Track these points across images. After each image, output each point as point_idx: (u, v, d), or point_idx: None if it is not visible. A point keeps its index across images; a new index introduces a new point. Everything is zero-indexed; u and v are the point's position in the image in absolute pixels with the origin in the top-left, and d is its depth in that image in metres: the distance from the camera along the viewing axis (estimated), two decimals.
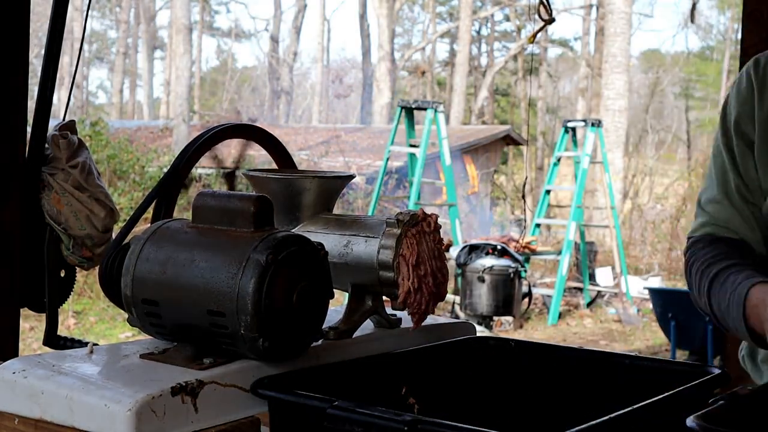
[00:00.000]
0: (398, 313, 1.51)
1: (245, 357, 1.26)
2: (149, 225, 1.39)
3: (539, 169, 23.65)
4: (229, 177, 1.98)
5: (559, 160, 12.54)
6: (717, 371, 1.30)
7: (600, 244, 14.28)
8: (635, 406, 1.13)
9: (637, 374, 1.39)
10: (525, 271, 10.78)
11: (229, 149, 2.06)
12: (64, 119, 2.22)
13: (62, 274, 2.19)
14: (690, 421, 1.02)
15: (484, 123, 24.82)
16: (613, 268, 12.78)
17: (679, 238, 14.39)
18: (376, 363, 1.36)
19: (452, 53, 28.97)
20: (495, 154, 20.08)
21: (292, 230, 1.47)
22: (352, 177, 1.61)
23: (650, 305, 10.08)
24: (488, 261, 10.35)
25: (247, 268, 1.22)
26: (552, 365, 1.46)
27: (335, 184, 1.58)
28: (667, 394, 1.19)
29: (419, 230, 1.40)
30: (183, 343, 1.30)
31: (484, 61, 30.49)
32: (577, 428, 1.02)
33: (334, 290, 1.36)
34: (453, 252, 10.52)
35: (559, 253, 12.02)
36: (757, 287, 1.49)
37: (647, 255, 15.46)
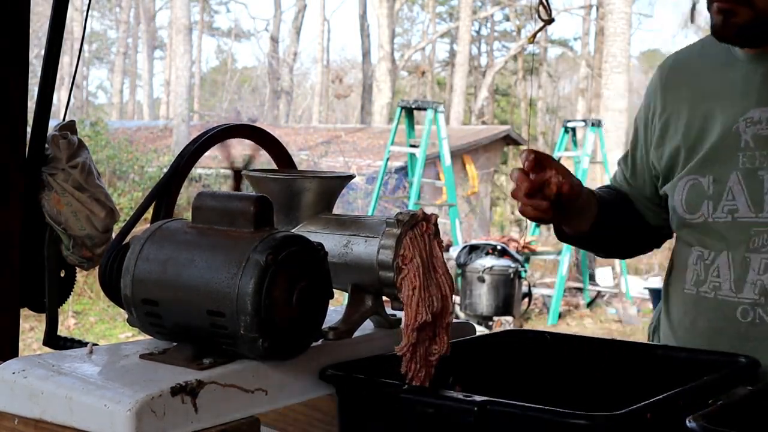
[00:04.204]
0: (398, 313, 1.51)
1: (245, 357, 1.26)
2: (149, 225, 1.39)
3: None
4: (237, 177, 1.99)
5: (559, 160, 12.53)
6: (745, 360, 1.38)
7: None
8: (676, 390, 1.19)
9: (670, 363, 1.45)
10: (525, 271, 10.79)
11: (241, 148, 2.06)
12: (64, 119, 2.22)
13: (62, 274, 2.19)
14: (690, 421, 1.02)
15: (484, 123, 24.82)
16: (613, 268, 12.79)
17: None
18: None
19: (452, 53, 28.98)
20: (495, 155, 20.08)
21: (292, 230, 1.47)
22: (352, 177, 1.61)
23: (650, 305, 10.09)
24: (488, 261, 10.35)
25: (247, 269, 1.22)
26: (586, 356, 1.52)
27: (335, 184, 1.58)
28: (703, 379, 1.26)
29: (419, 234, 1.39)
30: (183, 343, 1.30)
31: (484, 61, 30.51)
32: (620, 411, 1.08)
33: (334, 290, 1.36)
34: (453, 252, 10.52)
35: (559, 253, 12.02)
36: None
37: (647, 255, 15.46)
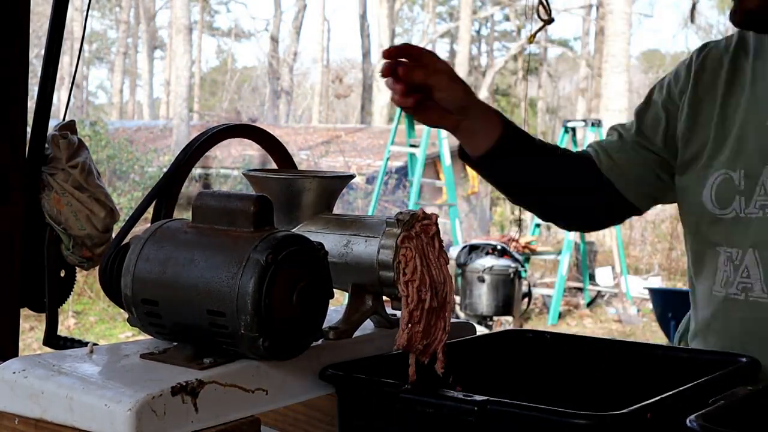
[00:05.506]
0: (398, 313, 1.51)
1: (245, 357, 1.27)
2: (149, 225, 1.39)
3: None
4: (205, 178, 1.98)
5: None
6: (746, 360, 1.38)
7: (600, 244, 14.28)
8: (676, 390, 1.19)
9: (670, 363, 1.46)
10: (525, 271, 10.79)
11: (219, 151, 2.06)
12: (64, 119, 2.22)
13: (62, 274, 2.19)
14: (690, 421, 1.02)
15: None
16: (613, 268, 12.79)
17: (679, 238, 14.40)
18: None
19: (452, 53, 28.97)
20: None
21: (292, 230, 1.47)
22: (352, 177, 1.60)
23: (650, 305, 10.08)
24: (488, 261, 10.35)
25: (247, 268, 1.22)
26: (586, 356, 1.53)
27: (335, 184, 1.58)
28: (703, 379, 1.26)
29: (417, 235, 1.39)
30: (183, 343, 1.30)
31: (484, 61, 30.51)
32: (618, 411, 1.08)
33: (334, 290, 1.36)
34: (453, 252, 10.52)
35: (559, 253, 12.02)
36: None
37: (647, 255, 15.46)
